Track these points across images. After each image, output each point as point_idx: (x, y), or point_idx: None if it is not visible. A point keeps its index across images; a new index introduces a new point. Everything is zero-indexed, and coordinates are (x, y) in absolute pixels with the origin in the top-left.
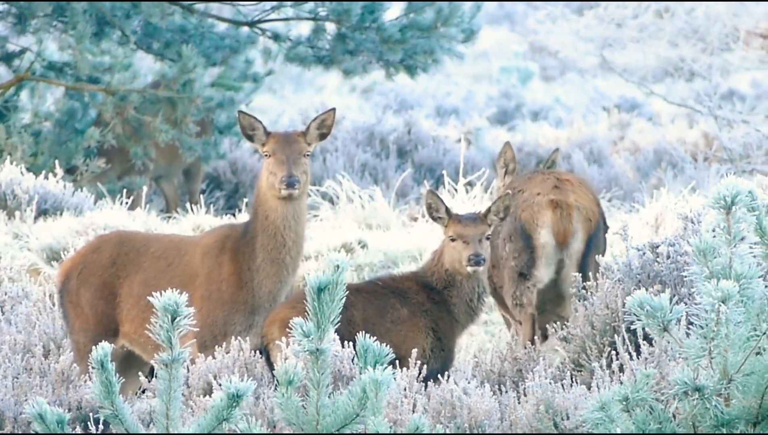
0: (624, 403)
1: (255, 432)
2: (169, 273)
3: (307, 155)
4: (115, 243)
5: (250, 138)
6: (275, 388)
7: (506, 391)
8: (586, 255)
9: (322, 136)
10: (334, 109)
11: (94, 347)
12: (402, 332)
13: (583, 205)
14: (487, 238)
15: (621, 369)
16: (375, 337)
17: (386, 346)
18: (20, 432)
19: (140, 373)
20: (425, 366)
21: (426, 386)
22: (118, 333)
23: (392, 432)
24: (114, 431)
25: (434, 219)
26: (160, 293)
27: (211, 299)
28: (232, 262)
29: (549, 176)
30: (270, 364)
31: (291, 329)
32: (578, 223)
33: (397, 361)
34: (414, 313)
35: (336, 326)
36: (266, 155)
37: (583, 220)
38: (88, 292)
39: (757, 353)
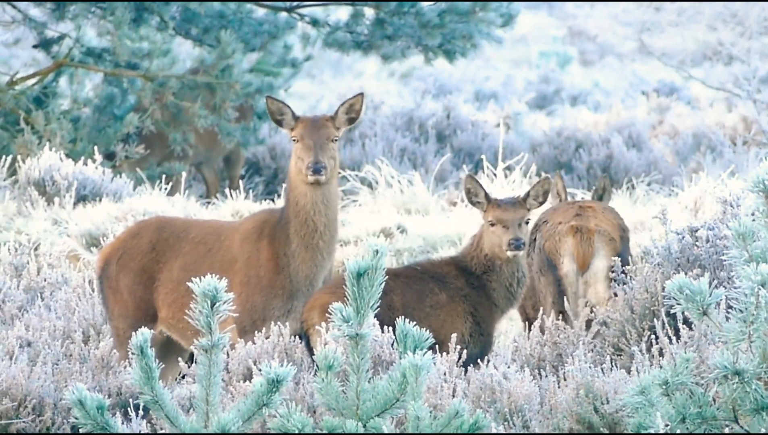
0: (664, 387)
1: (295, 417)
2: (209, 258)
3: (335, 140)
4: (155, 228)
5: (279, 123)
6: (315, 373)
7: (546, 376)
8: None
9: (351, 121)
10: (362, 94)
11: (133, 333)
12: (441, 317)
13: (605, 229)
14: (526, 223)
15: (661, 353)
16: (414, 322)
17: (425, 330)
18: (60, 418)
19: (180, 359)
20: (464, 351)
21: (466, 371)
22: (156, 319)
23: (432, 416)
24: (154, 417)
25: (473, 204)
26: (200, 279)
27: (250, 284)
28: (270, 248)
29: (572, 205)
30: (310, 349)
31: (330, 314)
32: (599, 244)
33: (436, 346)
34: (453, 298)
35: (375, 311)
36: (294, 140)
37: (605, 241)
38: (128, 277)
39: None
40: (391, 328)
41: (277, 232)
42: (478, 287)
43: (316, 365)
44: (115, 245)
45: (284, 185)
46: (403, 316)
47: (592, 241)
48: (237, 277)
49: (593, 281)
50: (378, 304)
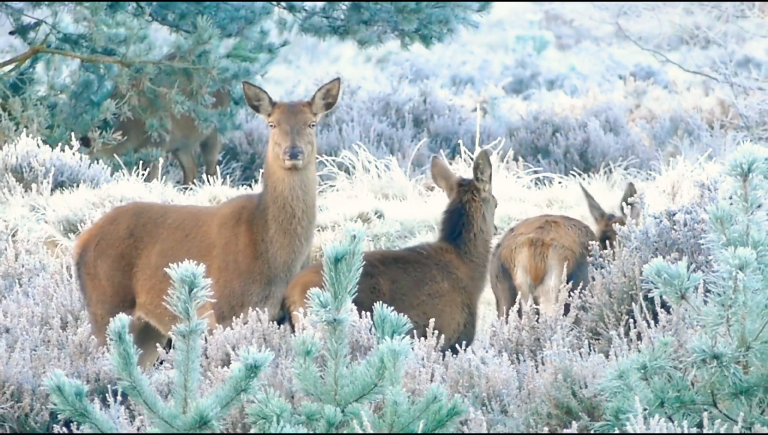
0: (642, 371)
1: (273, 402)
2: (187, 244)
3: (312, 126)
4: (132, 214)
5: (256, 108)
6: (293, 359)
7: (524, 360)
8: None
9: (328, 106)
10: (339, 79)
11: (111, 319)
12: (438, 306)
13: (561, 243)
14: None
15: (639, 337)
16: (403, 308)
17: (422, 316)
18: (39, 404)
19: (158, 345)
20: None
21: (444, 356)
22: (134, 304)
23: (410, 401)
24: (132, 403)
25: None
26: (177, 264)
27: (228, 270)
28: (248, 233)
29: (540, 218)
30: (292, 327)
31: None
32: (553, 260)
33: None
34: (454, 288)
35: (355, 295)
36: (271, 126)
37: (559, 258)
38: (105, 263)
39: None
40: (369, 314)
41: (255, 218)
42: (476, 279)
43: (295, 350)
44: (92, 231)
45: (262, 171)
46: (389, 301)
47: (546, 256)
48: (215, 262)
49: (544, 296)
50: (360, 287)
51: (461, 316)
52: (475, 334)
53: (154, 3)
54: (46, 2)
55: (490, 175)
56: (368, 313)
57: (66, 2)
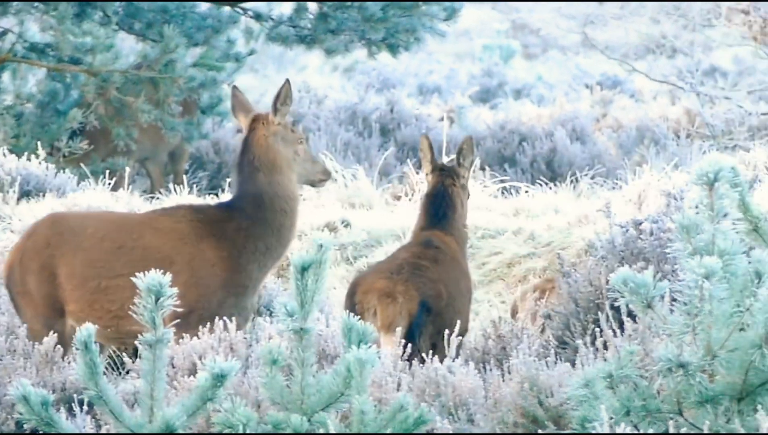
0: (608, 380)
1: (240, 411)
2: (122, 256)
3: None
4: (49, 225)
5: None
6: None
7: (491, 369)
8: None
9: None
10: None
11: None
12: (465, 301)
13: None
14: None
15: (605, 346)
16: (454, 313)
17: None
18: (5, 414)
19: (124, 354)
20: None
21: (410, 365)
22: (64, 313)
23: (377, 410)
24: (98, 412)
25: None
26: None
27: (200, 285)
28: (223, 248)
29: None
30: None
31: (390, 299)
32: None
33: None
34: (464, 275)
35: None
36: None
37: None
38: (32, 277)
39: (741, 329)
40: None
41: (228, 231)
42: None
43: (261, 359)
44: (14, 251)
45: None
46: (448, 305)
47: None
48: (179, 278)
49: None
50: (428, 293)
51: (469, 300)
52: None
53: (121, 12)
54: (13, 11)
55: (472, 161)
56: (434, 315)
57: (33, 11)
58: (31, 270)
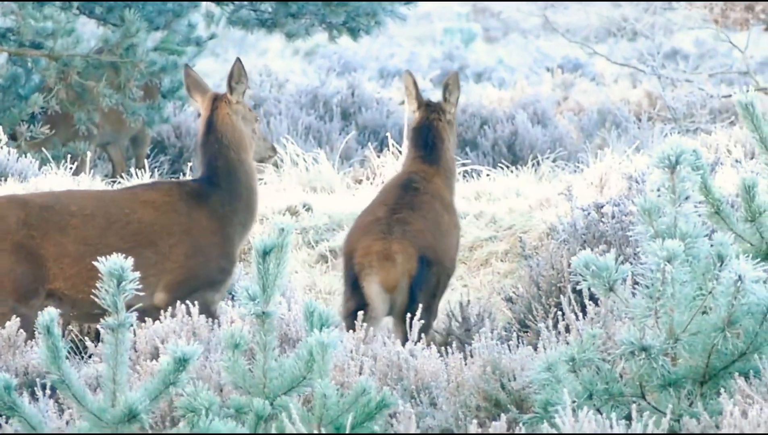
0: (570, 363)
1: (202, 395)
2: (119, 230)
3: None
4: (17, 206)
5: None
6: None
7: (453, 353)
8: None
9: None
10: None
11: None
12: (451, 239)
13: None
14: None
15: (567, 329)
16: (439, 257)
17: (449, 262)
18: None
19: (86, 338)
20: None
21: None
22: (38, 294)
23: (339, 394)
24: (61, 396)
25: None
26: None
27: (200, 254)
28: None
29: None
30: (360, 295)
31: (390, 261)
32: None
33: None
34: (449, 211)
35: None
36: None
37: None
38: (2, 258)
39: (703, 312)
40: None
41: (215, 202)
42: (451, 191)
43: (223, 343)
44: None
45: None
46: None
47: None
48: (180, 248)
49: None
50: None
51: (456, 238)
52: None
53: None
54: None
55: (458, 98)
56: (434, 265)
57: None
58: (3, 250)
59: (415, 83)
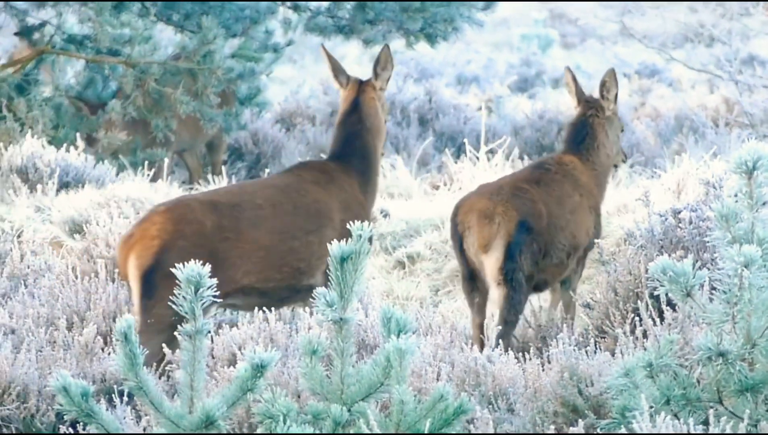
0: (648, 369)
1: (280, 402)
2: (303, 214)
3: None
4: (208, 208)
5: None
6: (300, 356)
7: (530, 359)
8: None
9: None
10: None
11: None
12: (577, 220)
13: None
14: None
15: (644, 335)
16: (556, 233)
17: (569, 237)
18: (45, 405)
19: (163, 345)
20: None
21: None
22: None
23: (417, 400)
24: (138, 403)
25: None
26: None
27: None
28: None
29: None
30: (462, 252)
31: (487, 219)
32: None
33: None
34: (582, 195)
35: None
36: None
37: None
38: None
39: None
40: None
41: (353, 180)
42: (599, 184)
43: (301, 349)
44: (165, 237)
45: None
46: (546, 228)
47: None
48: (336, 227)
49: None
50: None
51: (590, 220)
52: (601, 231)
53: (159, 3)
54: (51, 3)
55: (616, 94)
56: (535, 234)
57: (70, 3)
58: (197, 254)
59: (574, 79)
